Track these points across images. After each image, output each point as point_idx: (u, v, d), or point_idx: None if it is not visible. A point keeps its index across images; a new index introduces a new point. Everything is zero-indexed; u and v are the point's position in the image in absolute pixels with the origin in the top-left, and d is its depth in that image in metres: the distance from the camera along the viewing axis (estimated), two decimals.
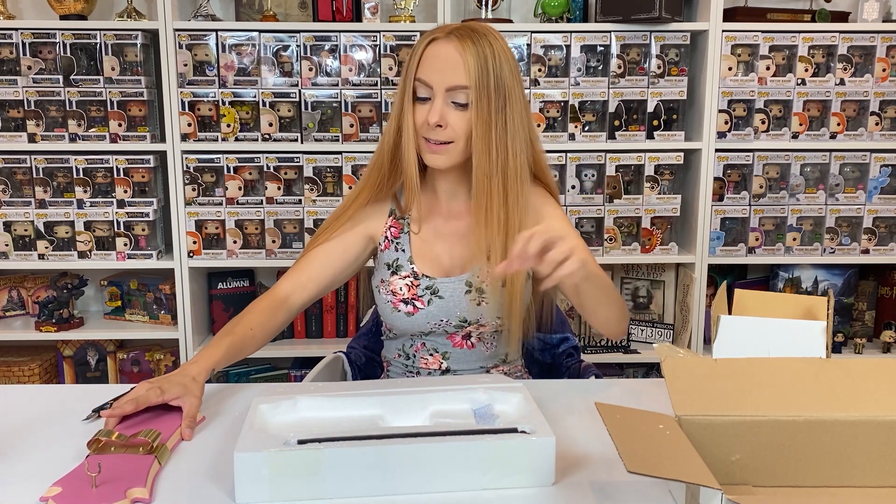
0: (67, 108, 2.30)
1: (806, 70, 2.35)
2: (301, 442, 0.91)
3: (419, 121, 1.26)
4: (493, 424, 1.00)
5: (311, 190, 2.35)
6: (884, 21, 2.36)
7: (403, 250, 1.37)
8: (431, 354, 1.37)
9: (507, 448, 0.91)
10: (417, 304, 1.34)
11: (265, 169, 2.34)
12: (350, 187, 2.34)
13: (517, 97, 1.26)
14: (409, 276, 1.35)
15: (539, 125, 2.33)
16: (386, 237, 1.39)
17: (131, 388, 1.13)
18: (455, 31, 1.25)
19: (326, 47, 2.30)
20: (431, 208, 1.38)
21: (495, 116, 1.24)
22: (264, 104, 2.30)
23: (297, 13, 2.42)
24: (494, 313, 1.32)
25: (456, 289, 1.32)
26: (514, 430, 0.94)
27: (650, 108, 2.34)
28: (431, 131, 1.25)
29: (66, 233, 2.37)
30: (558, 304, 1.59)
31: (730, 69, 2.34)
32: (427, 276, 1.34)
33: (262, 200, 2.36)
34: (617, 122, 2.35)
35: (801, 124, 2.37)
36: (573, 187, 2.37)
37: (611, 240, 2.40)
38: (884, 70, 2.35)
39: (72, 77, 2.29)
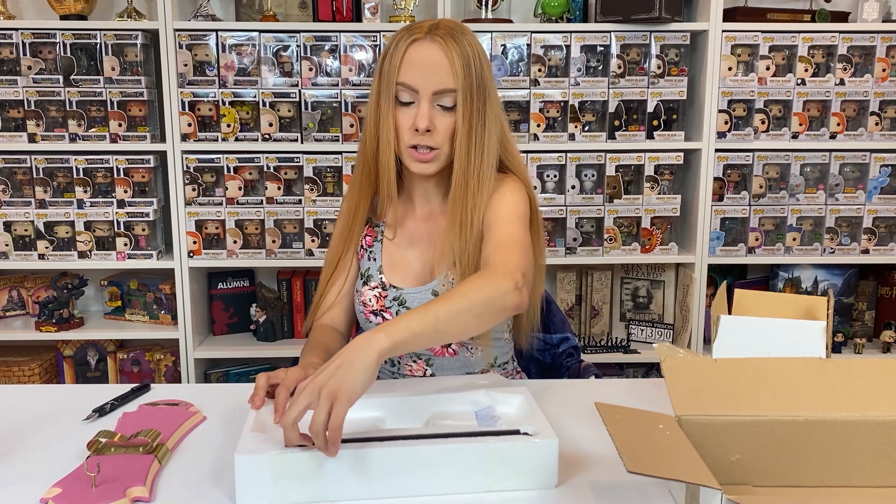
0: (67, 108, 2.30)
1: (806, 70, 2.35)
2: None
3: (405, 126, 1.23)
4: (495, 426, 1.00)
5: (311, 190, 2.35)
6: (884, 21, 2.36)
7: (374, 259, 1.36)
8: (415, 361, 1.35)
9: (509, 450, 0.91)
10: (386, 315, 1.33)
11: (265, 169, 2.34)
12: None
13: (493, 91, 1.26)
14: (377, 287, 1.34)
15: (539, 125, 2.33)
16: (361, 246, 1.38)
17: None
18: (435, 31, 1.21)
19: (326, 47, 2.30)
20: (406, 212, 1.37)
21: (476, 117, 1.23)
22: (264, 104, 2.30)
23: (297, 13, 2.42)
24: None
25: (423, 299, 1.30)
26: (517, 432, 0.94)
27: (650, 108, 2.34)
28: (419, 137, 1.22)
29: (66, 233, 2.37)
30: (558, 303, 1.59)
31: (730, 69, 2.34)
32: (394, 287, 1.33)
33: (262, 200, 2.36)
34: (617, 122, 2.35)
35: (800, 124, 2.37)
36: (573, 187, 2.37)
37: (611, 240, 2.40)
38: (884, 70, 2.35)
39: (72, 77, 2.29)
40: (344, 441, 0.91)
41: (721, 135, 2.36)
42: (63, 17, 2.31)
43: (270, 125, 2.32)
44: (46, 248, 2.36)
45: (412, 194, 1.36)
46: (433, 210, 1.35)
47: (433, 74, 1.20)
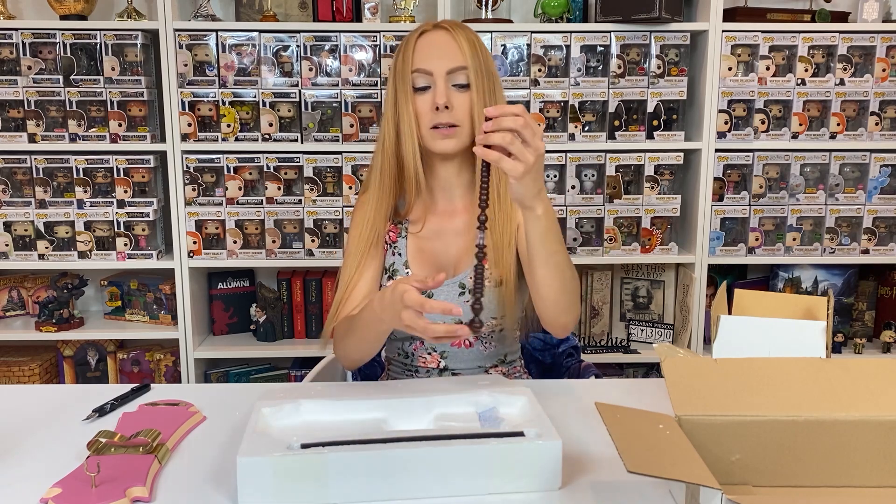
0: (67, 108, 2.30)
1: (806, 70, 2.35)
2: (304, 446, 0.90)
3: (424, 109, 1.28)
4: (498, 428, 1.00)
5: (311, 190, 2.35)
6: (884, 21, 2.36)
7: (399, 254, 1.37)
8: (430, 353, 1.37)
9: (512, 452, 0.91)
10: None
11: (265, 169, 2.34)
12: (350, 187, 2.34)
13: (499, 83, 1.34)
14: None
15: (539, 125, 2.33)
16: (385, 241, 1.39)
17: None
18: (441, 23, 1.32)
19: (326, 47, 2.30)
20: (428, 210, 1.39)
21: (489, 97, 1.30)
22: (264, 104, 2.30)
23: (297, 13, 2.42)
24: (489, 314, 1.32)
25: (450, 292, 1.32)
26: (520, 434, 0.93)
27: (650, 108, 2.34)
28: (438, 115, 1.27)
29: (67, 233, 2.37)
30: None
31: (730, 69, 2.34)
32: None
33: (262, 200, 2.36)
34: (617, 122, 2.35)
35: (800, 124, 2.37)
36: (573, 187, 2.37)
37: (611, 240, 2.40)
38: (884, 70, 2.35)
39: (72, 77, 2.29)
40: (346, 443, 0.91)
41: (721, 135, 2.36)
42: (63, 17, 2.30)
43: (270, 125, 2.32)
44: (46, 248, 2.36)
45: (433, 191, 1.38)
46: (455, 207, 1.37)
47: (444, 56, 1.28)
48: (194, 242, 2.36)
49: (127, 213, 2.35)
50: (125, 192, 2.35)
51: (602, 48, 2.33)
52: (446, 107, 1.26)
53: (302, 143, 2.33)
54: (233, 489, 0.92)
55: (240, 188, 2.35)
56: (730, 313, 1.22)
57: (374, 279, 1.37)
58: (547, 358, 1.59)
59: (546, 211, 1.09)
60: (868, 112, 2.37)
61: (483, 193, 1.02)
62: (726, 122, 2.36)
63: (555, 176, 2.38)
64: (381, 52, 2.28)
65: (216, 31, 2.27)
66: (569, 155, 2.35)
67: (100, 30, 2.26)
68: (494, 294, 1.31)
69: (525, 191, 1.04)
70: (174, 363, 2.51)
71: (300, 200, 2.36)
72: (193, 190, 2.34)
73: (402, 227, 1.39)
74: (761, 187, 2.40)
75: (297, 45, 2.29)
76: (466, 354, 1.36)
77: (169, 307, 2.46)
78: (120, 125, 2.31)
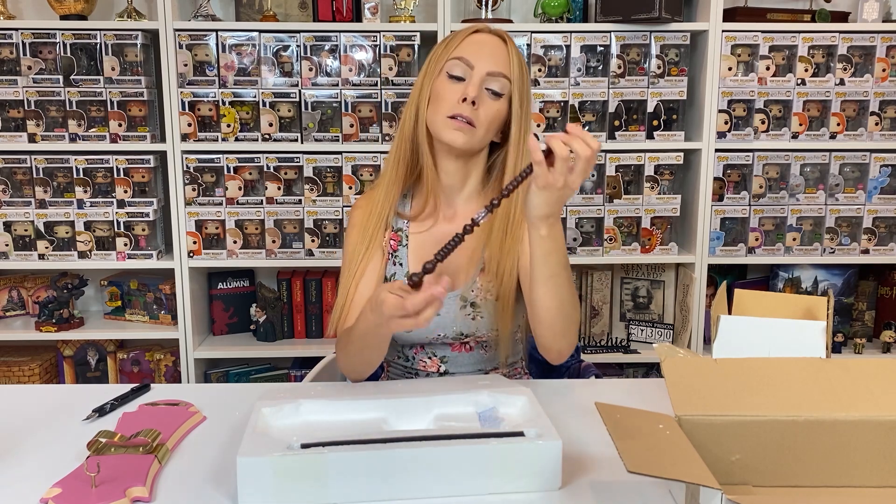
0: (67, 108, 2.30)
1: (806, 70, 2.35)
2: (304, 446, 0.90)
3: (450, 98, 1.25)
4: (498, 428, 1.00)
5: (311, 190, 2.35)
6: (884, 21, 2.36)
7: (401, 264, 1.36)
8: (430, 358, 1.36)
9: (512, 452, 0.91)
10: None
11: (265, 169, 2.34)
12: (350, 187, 2.34)
13: (531, 113, 1.33)
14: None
15: (539, 125, 2.33)
16: (387, 251, 1.38)
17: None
18: (498, 30, 1.30)
19: (326, 47, 2.30)
20: (429, 215, 1.37)
21: (525, 119, 1.29)
22: (264, 104, 2.30)
23: (297, 13, 2.42)
24: (490, 326, 1.32)
25: (451, 305, 1.31)
26: (520, 434, 0.93)
27: (650, 108, 2.34)
28: (461, 107, 1.24)
29: (67, 233, 2.37)
30: None
31: (730, 69, 2.34)
32: None
33: (262, 200, 2.36)
34: (617, 122, 2.35)
35: (800, 124, 2.37)
36: None
37: (611, 240, 2.40)
38: (883, 70, 2.35)
39: (72, 77, 2.29)
40: (346, 443, 0.91)
41: (721, 135, 2.36)
42: (63, 17, 2.30)
43: (270, 125, 2.32)
44: (46, 248, 2.36)
45: (436, 195, 1.36)
46: (456, 212, 1.37)
47: (492, 58, 1.26)
48: (194, 242, 2.36)
49: (127, 213, 2.35)
50: (125, 192, 2.35)
51: (602, 48, 2.33)
52: (473, 102, 1.23)
53: (302, 143, 2.33)
54: (233, 489, 0.92)
55: (240, 188, 2.35)
56: (730, 313, 1.22)
57: (375, 282, 1.35)
58: None
59: (551, 235, 1.09)
60: (868, 112, 2.37)
61: (512, 185, 1.03)
62: (726, 122, 2.36)
63: None
64: (381, 52, 2.28)
65: (216, 31, 2.27)
66: None
67: (100, 30, 2.26)
68: (491, 308, 1.31)
69: (538, 203, 1.05)
70: (174, 363, 2.51)
71: (300, 200, 2.36)
72: (193, 190, 2.34)
73: (402, 235, 1.38)
74: (761, 187, 2.40)
75: (297, 45, 2.29)
76: (466, 359, 1.36)
77: (169, 307, 2.46)
78: (120, 125, 2.31)
